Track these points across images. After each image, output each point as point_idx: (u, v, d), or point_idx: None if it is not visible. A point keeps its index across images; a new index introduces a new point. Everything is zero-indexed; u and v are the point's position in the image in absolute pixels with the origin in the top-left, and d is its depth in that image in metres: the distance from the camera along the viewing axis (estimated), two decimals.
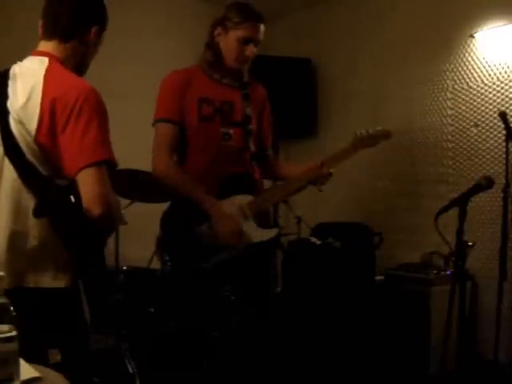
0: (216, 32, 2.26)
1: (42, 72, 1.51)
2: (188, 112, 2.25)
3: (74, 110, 1.45)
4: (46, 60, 1.56)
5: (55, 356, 1.47)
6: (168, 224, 2.27)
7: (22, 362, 1.13)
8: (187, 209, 2.22)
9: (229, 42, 2.24)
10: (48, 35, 1.62)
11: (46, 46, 1.62)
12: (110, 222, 1.52)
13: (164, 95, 2.29)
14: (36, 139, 1.47)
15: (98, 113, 1.49)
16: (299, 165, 2.49)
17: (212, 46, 2.29)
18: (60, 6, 1.61)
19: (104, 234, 1.60)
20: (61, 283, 1.54)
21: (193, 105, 2.25)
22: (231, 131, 2.30)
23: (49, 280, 1.53)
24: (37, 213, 1.47)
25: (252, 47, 2.25)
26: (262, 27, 2.26)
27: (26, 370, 1.13)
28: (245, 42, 2.23)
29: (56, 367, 1.28)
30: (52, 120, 1.45)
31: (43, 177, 1.49)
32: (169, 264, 2.24)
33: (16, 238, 1.52)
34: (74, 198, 1.47)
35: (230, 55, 2.26)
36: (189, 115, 2.25)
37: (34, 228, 1.51)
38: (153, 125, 2.29)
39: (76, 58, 1.64)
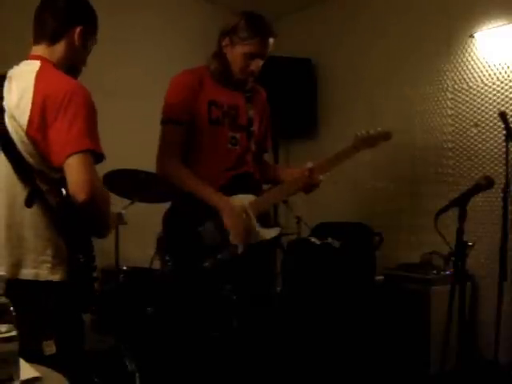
0: (223, 43, 2.26)
1: (34, 73, 1.59)
2: (198, 114, 2.25)
3: (62, 106, 1.52)
4: (38, 63, 1.64)
5: (50, 347, 1.48)
6: (170, 224, 2.26)
7: (22, 361, 1.13)
8: (189, 208, 2.22)
9: (235, 55, 2.24)
10: (37, 39, 1.70)
11: (36, 49, 1.70)
12: (95, 209, 1.56)
13: (175, 94, 2.27)
14: (27, 133, 1.54)
15: (85, 108, 1.56)
16: (292, 169, 2.51)
17: (219, 55, 2.29)
18: (45, 11, 1.69)
19: (92, 224, 1.63)
20: (56, 277, 1.59)
21: (203, 107, 2.26)
22: (238, 135, 2.32)
23: (45, 273, 1.58)
24: (27, 202, 1.54)
25: (258, 61, 2.25)
26: (270, 41, 2.24)
27: (26, 370, 1.13)
28: (251, 57, 2.23)
29: (51, 361, 1.28)
30: (42, 115, 1.53)
31: (34, 168, 1.56)
32: (170, 264, 2.24)
33: (13, 230, 1.58)
34: (66, 190, 1.53)
35: (235, 67, 2.27)
36: (199, 117, 2.25)
37: (29, 219, 1.57)
38: (161, 123, 2.28)
39: (67, 61, 1.70)
